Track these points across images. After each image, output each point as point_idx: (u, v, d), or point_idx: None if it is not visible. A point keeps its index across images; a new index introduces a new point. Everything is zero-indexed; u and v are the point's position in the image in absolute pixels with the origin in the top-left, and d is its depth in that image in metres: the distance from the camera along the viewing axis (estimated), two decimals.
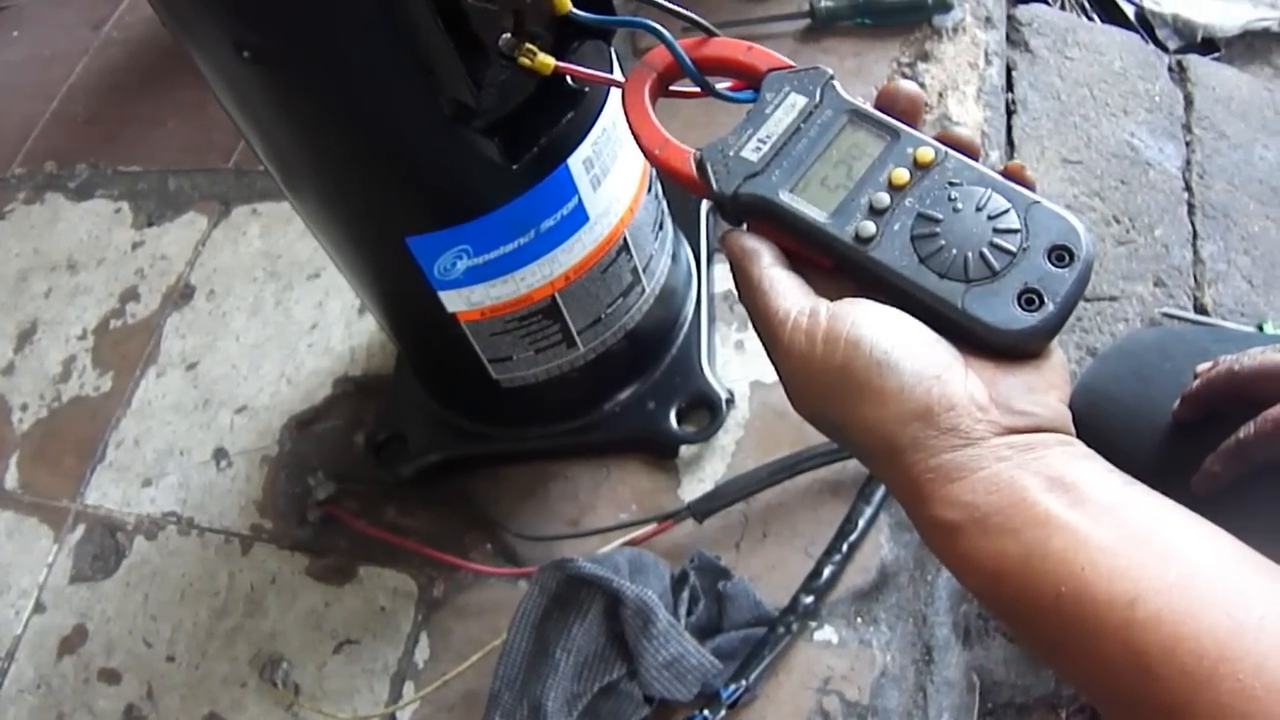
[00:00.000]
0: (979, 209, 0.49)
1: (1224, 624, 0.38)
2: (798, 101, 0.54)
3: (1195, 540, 0.41)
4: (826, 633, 0.86)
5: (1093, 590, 0.40)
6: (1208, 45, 1.51)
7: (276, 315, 1.24)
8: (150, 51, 1.60)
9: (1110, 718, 0.45)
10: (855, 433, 0.47)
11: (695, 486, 0.95)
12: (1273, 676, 0.37)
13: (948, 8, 1.21)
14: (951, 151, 0.51)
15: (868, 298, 0.49)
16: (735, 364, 1.02)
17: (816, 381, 0.47)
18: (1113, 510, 0.42)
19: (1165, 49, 1.50)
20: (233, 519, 1.11)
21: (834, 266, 0.51)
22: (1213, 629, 0.38)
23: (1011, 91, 1.29)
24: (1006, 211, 0.48)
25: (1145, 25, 1.54)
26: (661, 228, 0.94)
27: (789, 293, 0.49)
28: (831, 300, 0.49)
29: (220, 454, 1.16)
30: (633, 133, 0.58)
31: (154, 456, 1.18)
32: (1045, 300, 0.47)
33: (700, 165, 0.54)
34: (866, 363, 0.45)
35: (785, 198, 0.51)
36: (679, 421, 0.97)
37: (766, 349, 0.50)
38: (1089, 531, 0.41)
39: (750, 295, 0.51)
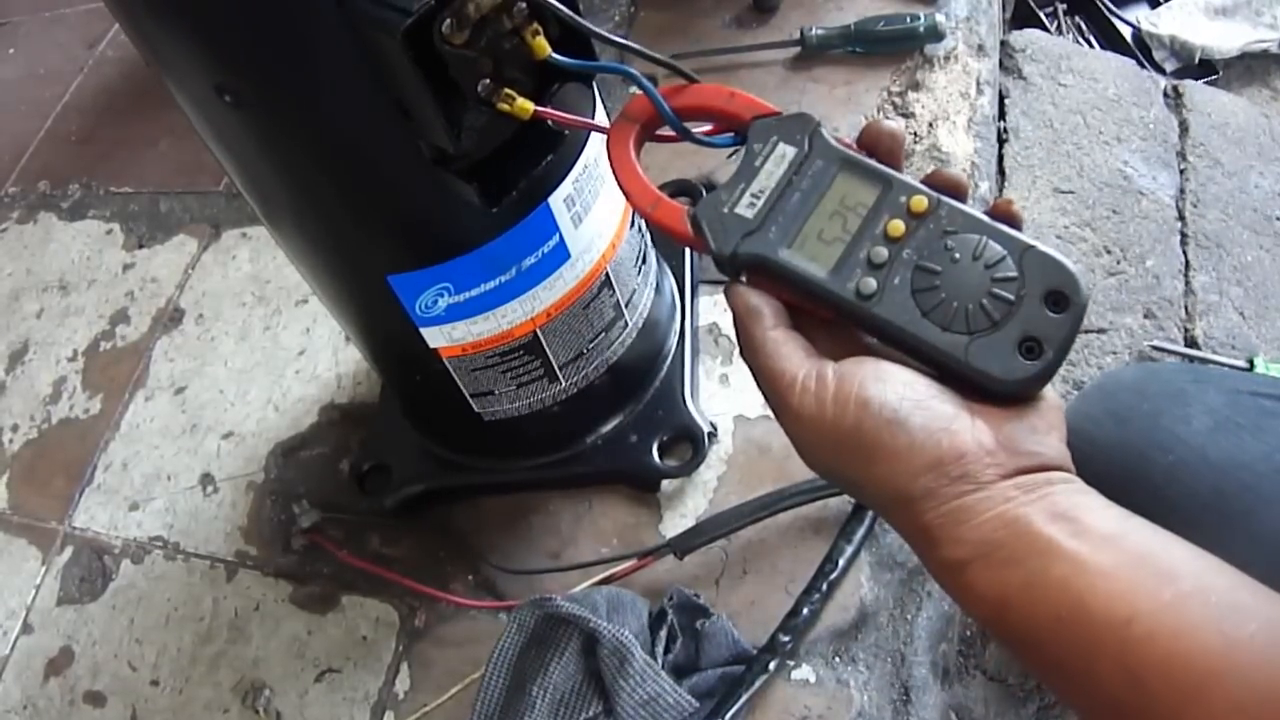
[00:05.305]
0: (976, 258, 0.50)
1: (1216, 641, 0.40)
2: (787, 152, 0.54)
3: (1190, 565, 0.43)
4: (804, 671, 0.86)
5: (1090, 611, 0.42)
6: (1205, 67, 1.51)
7: (264, 341, 1.24)
8: (144, 72, 1.59)
9: None
10: (869, 487, 0.49)
11: (677, 521, 0.95)
12: (1264, 689, 0.38)
13: (939, 36, 1.20)
14: (943, 198, 0.51)
15: (872, 346, 0.52)
16: (719, 398, 1.01)
17: (829, 442, 0.49)
18: (1111, 539, 0.43)
19: (1162, 71, 1.50)
20: (218, 545, 1.11)
21: (837, 318, 0.52)
22: (1204, 645, 0.40)
23: (1004, 119, 1.29)
24: (1003, 259, 0.50)
25: (1142, 47, 1.54)
26: (644, 261, 0.94)
27: (793, 355, 0.51)
28: (835, 358, 0.50)
29: (207, 479, 1.16)
30: (623, 191, 0.58)
31: (141, 480, 1.18)
32: (1045, 348, 0.48)
33: (695, 224, 0.55)
34: (877, 422, 0.47)
35: (784, 255, 0.52)
36: (661, 455, 0.97)
37: (774, 411, 0.52)
38: (1089, 558, 0.43)
39: (754, 357, 0.52)
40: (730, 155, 0.57)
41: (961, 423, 0.47)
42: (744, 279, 0.55)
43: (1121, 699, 0.41)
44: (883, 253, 0.51)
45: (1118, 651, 0.41)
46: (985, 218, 0.51)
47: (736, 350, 1.02)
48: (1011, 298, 0.49)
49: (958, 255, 0.50)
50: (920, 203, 0.51)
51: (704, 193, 1.10)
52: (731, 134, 0.58)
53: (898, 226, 0.51)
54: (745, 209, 0.54)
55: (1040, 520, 0.44)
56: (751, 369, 0.53)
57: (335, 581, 1.04)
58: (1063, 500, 0.45)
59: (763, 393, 0.52)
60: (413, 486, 1.02)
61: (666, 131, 0.60)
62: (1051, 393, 0.50)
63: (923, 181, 0.52)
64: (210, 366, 1.25)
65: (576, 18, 0.61)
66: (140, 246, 1.41)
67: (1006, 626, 0.45)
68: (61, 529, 1.19)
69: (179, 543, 1.13)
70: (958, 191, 0.52)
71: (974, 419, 0.47)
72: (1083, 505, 0.45)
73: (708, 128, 0.59)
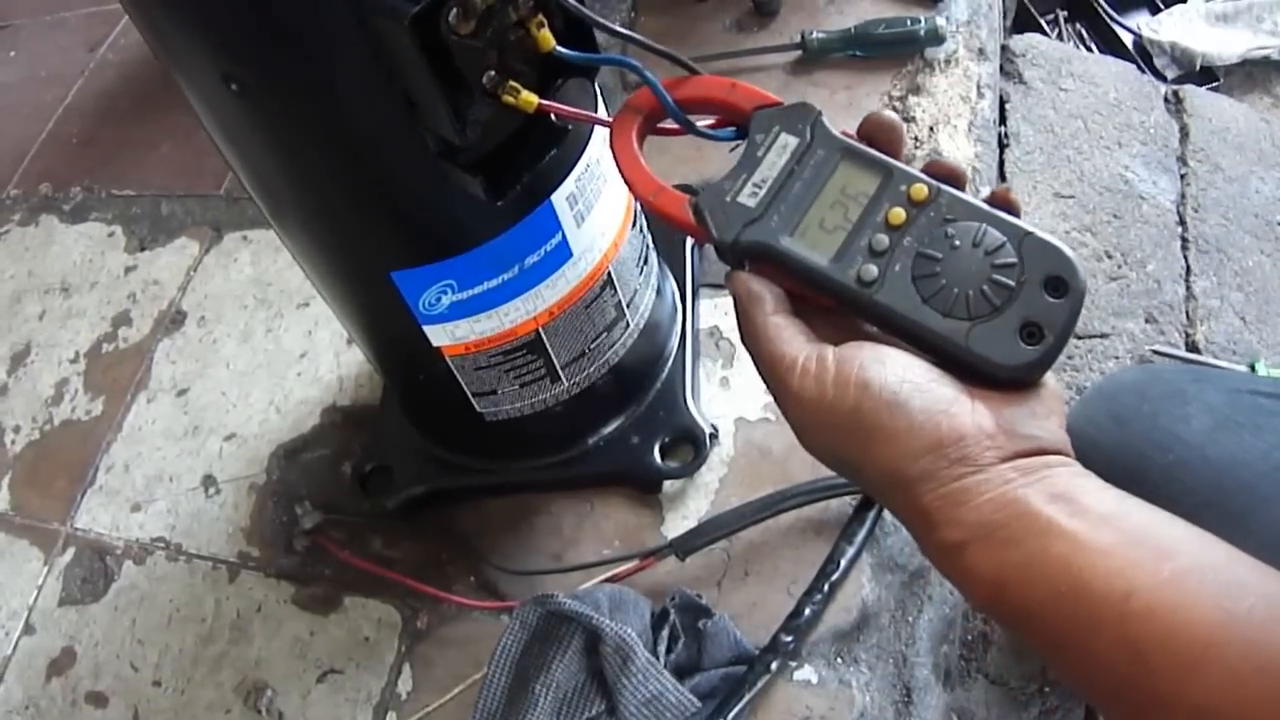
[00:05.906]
0: (975, 245, 0.50)
1: (1215, 614, 0.40)
2: (789, 142, 0.55)
3: (1188, 542, 0.43)
4: (806, 672, 0.86)
5: (1090, 588, 0.42)
6: (1206, 74, 1.51)
7: (266, 343, 1.24)
8: (144, 75, 1.61)
9: (1108, 713, 0.46)
10: (868, 469, 0.49)
11: (678, 523, 0.95)
12: (1262, 659, 0.39)
13: (940, 39, 1.20)
14: (943, 186, 0.52)
15: (872, 334, 0.52)
16: (720, 400, 1.01)
17: (828, 424, 0.49)
18: (1110, 518, 0.44)
19: (1163, 78, 1.50)
20: (220, 546, 1.11)
21: (837, 306, 0.53)
22: (1204, 619, 0.40)
23: (1004, 124, 1.29)
24: (1002, 245, 0.50)
25: (1143, 54, 1.55)
26: (646, 262, 0.94)
27: (793, 339, 0.51)
28: (835, 343, 0.51)
29: (209, 481, 1.16)
30: (625, 180, 0.59)
31: (144, 482, 1.18)
32: (1045, 333, 0.48)
33: (698, 212, 0.55)
34: (877, 404, 0.47)
35: (786, 243, 0.53)
36: (663, 456, 0.97)
37: (774, 394, 0.52)
38: (1087, 537, 0.43)
39: (755, 342, 0.53)
40: (732, 150, 0.58)
41: (961, 405, 0.47)
42: (746, 267, 0.55)
43: (1122, 672, 0.41)
44: (884, 240, 0.51)
45: (1117, 626, 0.41)
46: (984, 205, 0.51)
47: (736, 352, 1.03)
48: (1011, 283, 0.49)
49: (958, 242, 0.50)
50: (920, 191, 0.52)
51: None
52: (734, 128, 0.59)
53: (898, 214, 0.51)
54: (747, 198, 0.54)
55: (1039, 501, 0.44)
56: (752, 354, 0.53)
57: (337, 582, 1.04)
58: (1061, 482, 0.45)
59: (763, 378, 0.52)
60: (415, 488, 1.02)
61: (669, 124, 0.60)
62: (1051, 378, 0.50)
63: (922, 171, 0.53)
64: (212, 369, 1.25)
65: (581, 9, 0.62)
66: (142, 249, 1.41)
67: (1005, 606, 0.45)
68: (63, 530, 1.18)
69: (181, 544, 1.12)
70: (956, 180, 0.52)
71: (974, 402, 0.48)
72: (1081, 487, 0.45)
73: (710, 121, 0.60)
